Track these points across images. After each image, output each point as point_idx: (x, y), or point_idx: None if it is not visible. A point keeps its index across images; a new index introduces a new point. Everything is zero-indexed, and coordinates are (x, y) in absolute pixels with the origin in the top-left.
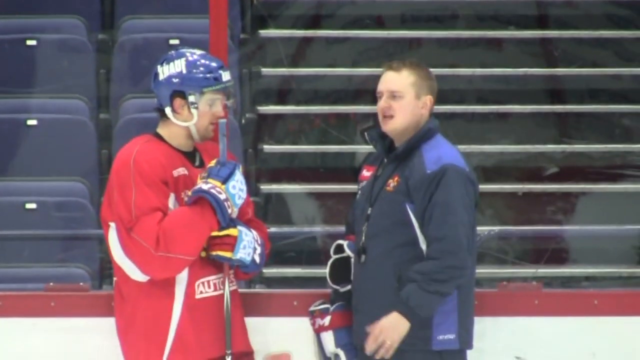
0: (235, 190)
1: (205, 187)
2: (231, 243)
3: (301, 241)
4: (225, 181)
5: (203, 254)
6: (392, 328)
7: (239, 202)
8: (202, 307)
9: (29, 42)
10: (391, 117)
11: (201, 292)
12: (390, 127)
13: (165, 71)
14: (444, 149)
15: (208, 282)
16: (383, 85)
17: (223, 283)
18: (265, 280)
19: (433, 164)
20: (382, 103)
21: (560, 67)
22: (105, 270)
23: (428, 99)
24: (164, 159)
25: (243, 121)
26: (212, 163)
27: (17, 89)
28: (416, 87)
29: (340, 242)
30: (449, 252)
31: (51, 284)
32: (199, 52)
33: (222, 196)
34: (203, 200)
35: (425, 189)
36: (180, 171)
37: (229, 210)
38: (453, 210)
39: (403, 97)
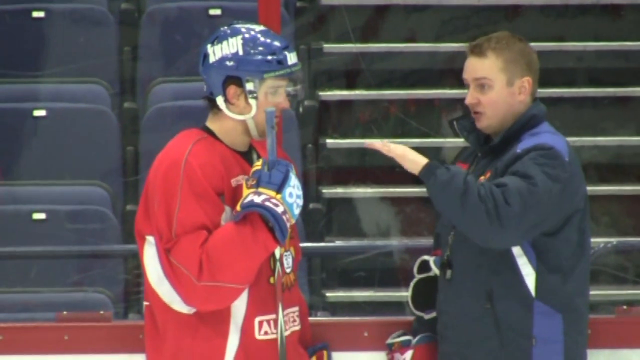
0: (292, 199)
1: (258, 199)
2: None
3: (373, 257)
4: (280, 189)
5: (272, 280)
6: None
7: (298, 211)
8: (264, 349)
9: (36, 14)
10: (482, 113)
11: (265, 333)
12: (483, 124)
13: (217, 52)
14: (547, 136)
15: (275, 321)
16: (467, 74)
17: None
18: (329, 305)
19: (527, 145)
20: (468, 97)
21: None
22: (131, 294)
23: (526, 81)
24: (221, 164)
25: (301, 110)
26: (258, 164)
27: (22, 72)
28: (507, 71)
29: (425, 257)
30: (503, 199)
31: (64, 312)
32: (258, 27)
33: (280, 209)
34: (253, 213)
35: (509, 166)
36: (240, 179)
37: (288, 225)
38: (531, 181)
39: (492, 86)
